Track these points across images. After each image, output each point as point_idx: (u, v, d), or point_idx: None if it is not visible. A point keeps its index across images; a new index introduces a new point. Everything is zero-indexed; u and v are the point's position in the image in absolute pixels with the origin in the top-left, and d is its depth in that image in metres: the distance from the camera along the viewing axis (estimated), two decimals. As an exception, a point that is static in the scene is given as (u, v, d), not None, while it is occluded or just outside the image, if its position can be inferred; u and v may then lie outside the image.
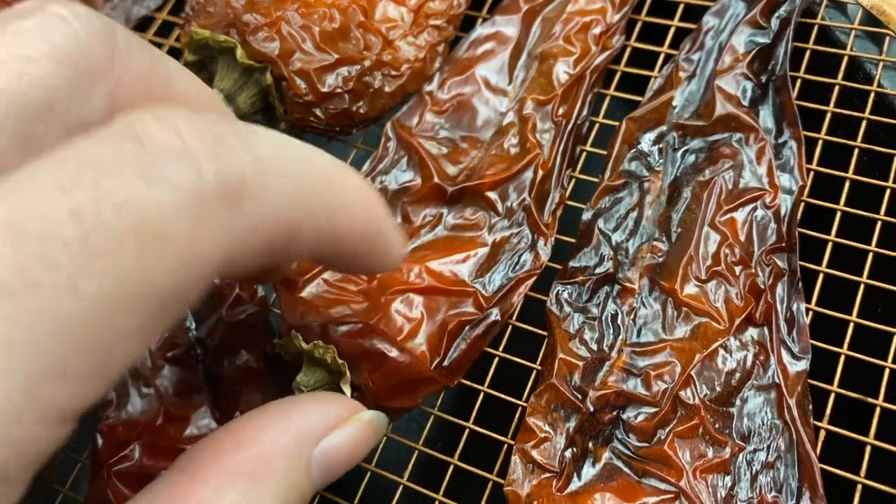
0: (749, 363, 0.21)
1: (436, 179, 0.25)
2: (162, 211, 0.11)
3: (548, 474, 0.21)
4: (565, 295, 0.23)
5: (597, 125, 0.26)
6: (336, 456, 0.16)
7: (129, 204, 0.11)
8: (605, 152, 0.26)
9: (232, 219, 0.12)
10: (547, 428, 0.21)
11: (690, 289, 0.22)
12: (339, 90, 0.25)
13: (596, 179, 0.25)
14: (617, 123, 0.26)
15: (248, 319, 0.25)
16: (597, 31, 0.27)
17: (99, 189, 0.11)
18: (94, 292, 0.10)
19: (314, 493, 0.16)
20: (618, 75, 0.27)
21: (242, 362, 0.24)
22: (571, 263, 0.23)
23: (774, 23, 0.25)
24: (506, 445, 0.22)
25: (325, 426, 0.16)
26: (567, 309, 0.23)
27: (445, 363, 0.22)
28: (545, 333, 0.23)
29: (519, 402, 0.22)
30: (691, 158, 0.25)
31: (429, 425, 0.23)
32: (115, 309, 0.11)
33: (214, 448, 0.14)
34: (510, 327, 0.23)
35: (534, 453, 0.21)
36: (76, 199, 0.10)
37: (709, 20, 0.26)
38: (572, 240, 0.24)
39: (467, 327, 0.23)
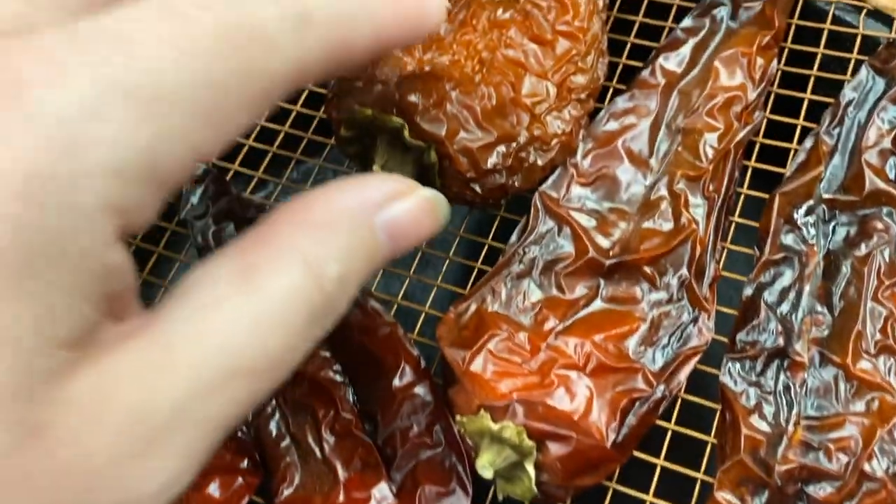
0: (924, 436, 0.22)
1: (591, 253, 0.26)
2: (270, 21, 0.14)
3: (740, 549, 0.21)
4: (738, 369, 0.24)
5: (742, 196, 0.27)
6: (399, 223, 0.17)
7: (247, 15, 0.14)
8: (751, 223, 0.26)
9: (306, 32, 0.15)
10: (736, 502, 0.22)
11: (863, 363, 0.23)
12: (498, 167, 0.26)
13: (745, 250, 0.26)
14: (760, 194, 0.27)
15: (414, 390, 0.26)
16: (738, 107, 0.27)
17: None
18: (226, 67, 0.14)
19: (386, 259, 0.17)
20: (756, 147, 0.28)
21: (415, 434, 0.25)
22: (740, 337, 0.24)
23: (915, 99, 0.26)
24: (688, 519, 0.22)
25: (387, 196, 0.17)
26: (742, 384, 0.23)
27: (619, 440, 0.23)
28: (712, 405, 0.24)
29: (697, 475, 0.23)
30: (843, 232, 0.25)
31: (607, 500, 0.24)
32: (236, 79, 0.14)
33: (287, 210, 0.16)
34: (679, 400, 0.24)
35: (727, 529, 0.22)
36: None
37: (847, 95, 0.27)
38: (729, 310, 0.25)
39: (637, 403, 0.24)
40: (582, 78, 0.28)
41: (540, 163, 0.27)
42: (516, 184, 0.27)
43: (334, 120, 0.28)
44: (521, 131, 0.27)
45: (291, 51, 0.15)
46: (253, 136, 0.32)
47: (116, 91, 0.13)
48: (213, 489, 0.24)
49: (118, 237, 0.13)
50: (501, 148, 0.27)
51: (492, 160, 0.26)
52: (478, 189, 0.27)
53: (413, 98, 0.26)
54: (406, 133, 0.26)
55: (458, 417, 0.24)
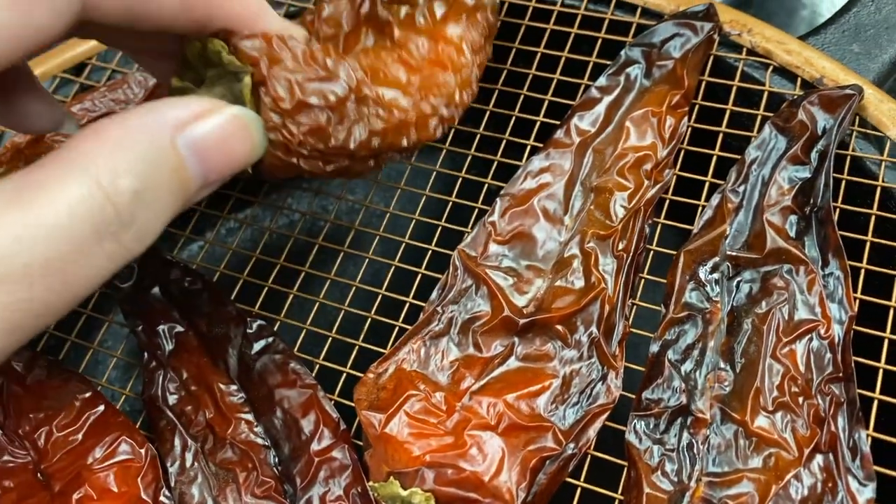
0: (819, 490, 0.23)
1: (506, 311, 0.27)
2: None
3: None
4: (642, 427, 0.24)
5: (651, 253, 0.28)
6: (205, 141, 0.17)
7: None
8: (660, 279, 0.27)
9: None
10: (638, 562, 0.23)
11: (760, 420, 0.24)
12: (320, 105, 0.23)
13: (654, 306, 0.27)
14: (669, 251, 0.28)
15: (332, 453, 0.26)
16: (648, 166, 0.28)
17: None
18: None
19: (202, 184, 0.17)
20: (666, 203, 0.29)
21: (333, 499, 0.25)
22: (645, 395, 0.25)
23: (814, 157, 0.27)
24: (595, 577, 0.23)
25: (189, 114, 0.17)
26: (646, 441, 0.24)
27: (529, 499, 0.24)
28: (620, 461, 0.25)
29: (604, 533, 0.24)
30: (746, 288, 0.26)
31: (519, 558, 0.24)
32: None
33: (84, 131, 0.16)
34: (588, 457, 0.25)
35: (628, 588, 0.22)
36: None
37: (751, 153, 0.28)
38: (637, 367, 0.26)
39: (547, 462, 0.24)
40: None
41: (376, 125, 0.24)
42: (340, 138, 0.23)
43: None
44: (360, 85, 0.24)
45: None
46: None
47: None
48: (134, 555, 0.25)
49: None
50: (332, 87, 0.23)
51: (314, 98, 0.22)
52: (294, 130, 0.22)
53: (248, 43, 0.22)
54: (224, 53, 0.22)
55: (370, 483, 0.24)
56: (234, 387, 0.28)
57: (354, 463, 0.26)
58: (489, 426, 0.25)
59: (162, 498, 0.26)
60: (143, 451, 0.27)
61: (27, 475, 0.26)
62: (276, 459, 0.27)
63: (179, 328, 0.29)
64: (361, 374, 0.26)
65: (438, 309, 0.27)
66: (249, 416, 0.28)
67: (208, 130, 0.18)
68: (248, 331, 0.29)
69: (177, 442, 0.27)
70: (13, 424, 0.27)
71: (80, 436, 0.27)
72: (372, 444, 0.25)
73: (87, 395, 0.28)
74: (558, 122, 0.30)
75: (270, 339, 0.28)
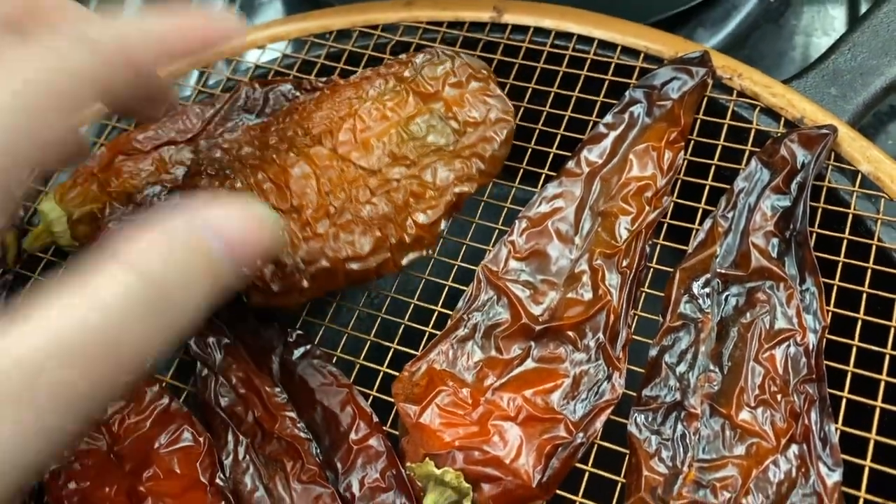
0: (794, 474, 0.27)
1: (524, 319, 0.31)
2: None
3: (641, 572, 0.26)
4: (642, 419, 0.28)
5: (651, 270, 0.32)
6: (230, 228, 0.20)
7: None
8: (659, 293, 0.31)
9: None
10: (638, 533, 0.26)
11: (744, 414, 0.28)
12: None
13: (653, 316, 0.31)
14: (666, 268, 0.32)
15: (369, 442, 0.30)
16: (649, 194, 0.32)
17: None
18: None
19: (232, 264, 0.20)
20: (665, 227, 0.33)
21: (370, 481, 0.29)
22: (645, 392, 0.29)
23: (794, 188, 0.31)
24: (601, 547, 0.27)
25: (211, 205, 0.21)
26: (645, 432, 0.28)
27: (544, 480, 0.27)
28: (623, 450, 0.28)
29: (609, 511, 0.27)
30: (733, 301, 0.30)
31: (534, 531, 0.28)
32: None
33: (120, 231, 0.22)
34: (595, 445, 0.29)
35: (629, 555, 0.26)
36: None
37: (739, 184, 0.32)
38: (638, 369, 0.30)
39: (560, 448, 0.28)
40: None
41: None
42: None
43: None
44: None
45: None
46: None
47: None
48: (196, 529, 0.28)
49: None
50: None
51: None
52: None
53: None
54: None
55: (407, 464, 0.28)
56: (278, 389, 0.32)
57: (389, 450, 0.29)
58: (509, 417, 0.28)
59: (217, 481, 0.30)
60: (201, 439, 0.31)
61: (102, 456, 0.30)
62: (318, 450, 0.30)
63: (227, 340, 0.33)
64: (396, 373, 0.30)
65: (464, 317, 0.31)
66: (293, 414, 0.31)
67: (230, 218, 0.21)
68: (289, 340, 0.33)
69: (230, 438, 0.31)
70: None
71: (148, 424, 0.31)
72: (408, 432, 0.29)
73: (155, 388, 0.32)
74: (570, 154, 0.34)
75: (308, 347, 0.32)
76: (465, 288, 0.32)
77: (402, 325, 0.33)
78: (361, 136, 0.33)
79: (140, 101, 0.25)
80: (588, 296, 0.31)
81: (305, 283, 0.31)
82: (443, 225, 0.33)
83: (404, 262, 0.32)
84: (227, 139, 0.35)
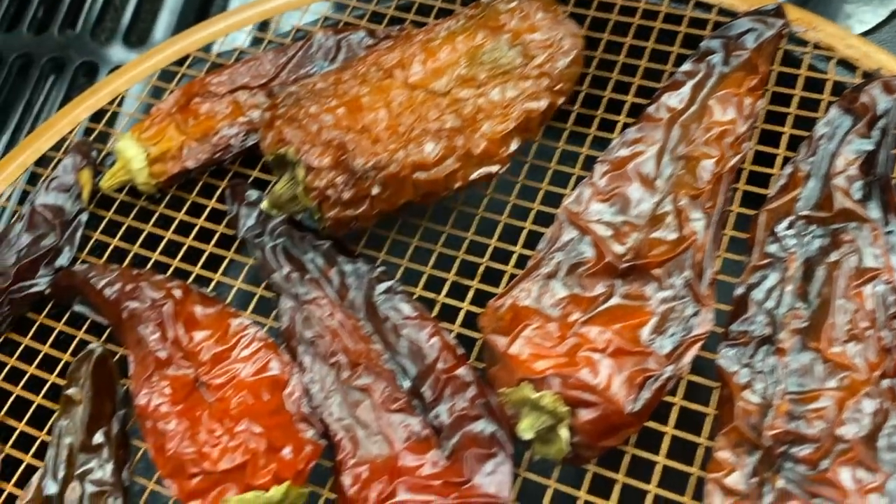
0: (886, 407, 0.27)
1: (607, 258, 0.31)
2: None
3: (737, 498, 0.26)
4: (732, 353, 0.28)
5: (732, 213, 0.32)
6: None
7: None
8: (740, 234, 0.31)
9: None
10: (733, 461, 0.27)
11: (835, 349, 0.28)
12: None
13: (736, 257, 0.31)
14: (747, 211, 0.32)
15: (456, 372, 0.30)
16: (729, 139, 0.33)
17: None
18: None
19: None
20: (745, 172, 0.33)
21: (460, 409, 0.29)
22: (733, 328, 0.29)
23: (876, 133, 0.32)
24: (692, 476, 0.27)
25: None
26: (736, 365, 0.28)
27: (636, 409, 0.28)
28: (711, 383, 0.29)
29: (700, 440, 0.28)
30: (817, 242, 0.30)
31: (625, 462, 0.28)
32: None
33: None
34: (683, 379, 0.29)
35: (726, 481, 0.26)
36: None
37: (820, 130, 0.33)
38: (722, 307, 0.30)
39: (650, 380, 0.28)
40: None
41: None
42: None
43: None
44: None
45: None
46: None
47: None
48: (286, 453, 0.28)
49: None
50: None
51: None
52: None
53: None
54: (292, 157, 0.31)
55: (501, 390, 0.28)
56: (362, 322, 0.32)
57: (477, 380, 0.30)
58: (598, 350, 0.29)
59: (304, 409, 0.30)
60: (287, 368, 0.31)
61: (190, 383, 0.30)
62: (402, 381, 0.31)
63: (309, 274, 0.33)
64: (479, 310, 0.30)
65: (547, 256, 0.31)
66: (378, 346, 0.31)
67: None
68: (372, 275, 0.33)
69: (316, 369, 0.31)
70: (179, 342, 0.31)
71: (233, 353, 0.31)
72: (498, 361, 0.29)
73: (237, 320, 0.32)
74: (645, 102, 0.35)
75: (391, 283, 0.32)
76: (543, 230, 0.32)
77: (482, 266, 0.33)
78: (432, 66, 0.34)
79: None
80: (673, 235, 0.31)
81: (375, 190, 0.31)
82: (513, 144, 0.33)
83: (473, 175, 0.33)
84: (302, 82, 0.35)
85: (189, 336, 0.31)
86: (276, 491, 0.27)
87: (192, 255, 0.35)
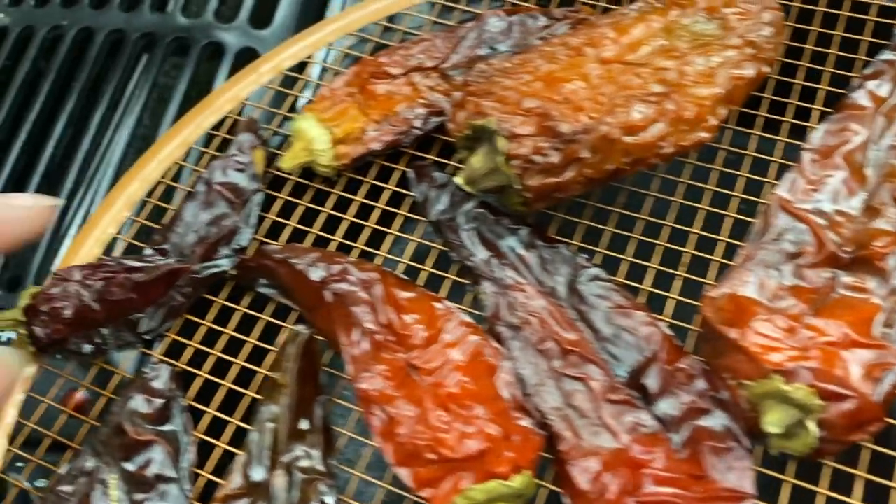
0: None
1: (828, 248, 0.30)
2: None
3: None
4: (975, 348, 0.28)
5: (948, 206, 0.31)
6: None
7: None
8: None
9: None
10: None
11: None
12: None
13: (955, 251, 0.30)
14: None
15: (679, 364, 0.29)
16: (943, 128, 0.32)
17: None
18: None
19: None
20: (955, 164, 0.32)
21: (689, 401, 0.28)
22: (971, 322, 0.28)
23: None
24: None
25: None
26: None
27: (879, 400, 0.27)
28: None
29: (946, 437, 0.27)
30: None
31: (867, 458, 0.27)
32: None
33: None
34: (920, 375, 0.28)
35: None
36: None
37: None
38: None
39: (888, 373, 0.27)
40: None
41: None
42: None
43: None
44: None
45: None
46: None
47: None
48: (516, 440, 0.27)
49: None
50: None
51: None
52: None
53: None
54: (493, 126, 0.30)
55: (744, 382, 0.27)
56: (566, 309, 0.31)
57: (705, 371, 0.29)
58: (832, 342, 0.28)
59: (516, 395, 0.29)
60: (497, 354, 0.30)
61: (403, 367, 0.29)
62: (620, 371, 0.30)
63: (508, 261, 0.32)
64: (688, 301, 0.30)
65: (761, 245, 0.31)
66: (588, 334, 0.30)
67: None
68: (577, 262, 0.32)
69: (523, 356, 0.30)
70: (392, 325, 0.30)
71: (442, 338, 0.30)
72: (728, 353, 0.28)
73: (441, 304, 0.31)
74: (838, 90, 0.34)
75: (597, 271, 0.32)
76: (747, 219, 0.31)
77: (688, 254, 0.32)
78: (626, 41, 0.33)
79: None
80: (893, 227, 0.30)
81: (585, 154, 0.30)
82: (723, 111, 0.32)
83: (685, 142, 0.32)
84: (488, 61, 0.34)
85: (400, 319, 0.30)
86: (519, 480, 0.26)
87: (376, 238, 0.34)
